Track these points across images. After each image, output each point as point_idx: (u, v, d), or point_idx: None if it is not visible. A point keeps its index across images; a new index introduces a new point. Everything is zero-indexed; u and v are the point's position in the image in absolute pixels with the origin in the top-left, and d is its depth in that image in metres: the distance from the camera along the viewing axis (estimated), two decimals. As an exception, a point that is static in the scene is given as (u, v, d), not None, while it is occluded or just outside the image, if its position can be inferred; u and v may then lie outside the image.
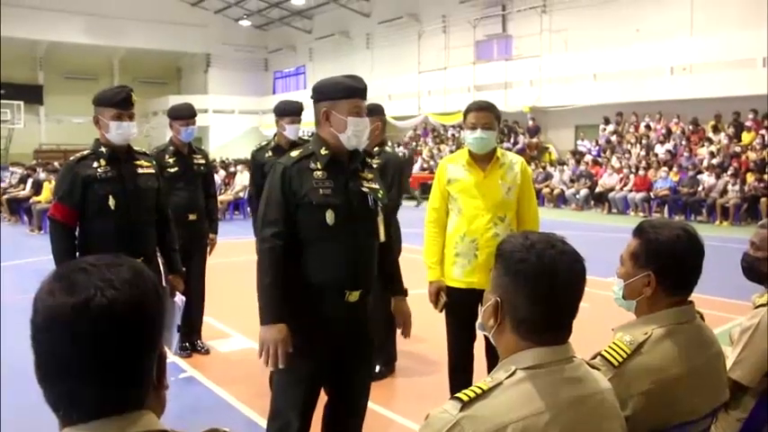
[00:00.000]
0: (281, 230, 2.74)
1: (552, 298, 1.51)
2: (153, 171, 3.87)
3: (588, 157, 19.91)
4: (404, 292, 3.19)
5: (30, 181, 16.49)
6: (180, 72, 39.47)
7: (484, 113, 3.61)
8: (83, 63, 34.82)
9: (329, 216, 2.74)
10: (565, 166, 19.91)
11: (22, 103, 31.23)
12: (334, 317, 2.79)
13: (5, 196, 16.82)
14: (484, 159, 3.64)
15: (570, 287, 1.53)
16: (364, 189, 2.84)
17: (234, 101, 35.05)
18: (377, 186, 2.90)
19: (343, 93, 2.81)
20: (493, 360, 3.64)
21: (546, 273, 1.50)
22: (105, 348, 1.00)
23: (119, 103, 3.62)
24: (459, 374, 3.83)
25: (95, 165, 3.63)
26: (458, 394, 1.45)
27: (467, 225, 3.63)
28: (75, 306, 0.99)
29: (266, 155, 5.21)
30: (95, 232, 3.65)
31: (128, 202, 3.66)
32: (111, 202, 3.61)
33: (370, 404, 4.41)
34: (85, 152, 3.74)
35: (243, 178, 18.11)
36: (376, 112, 5.24)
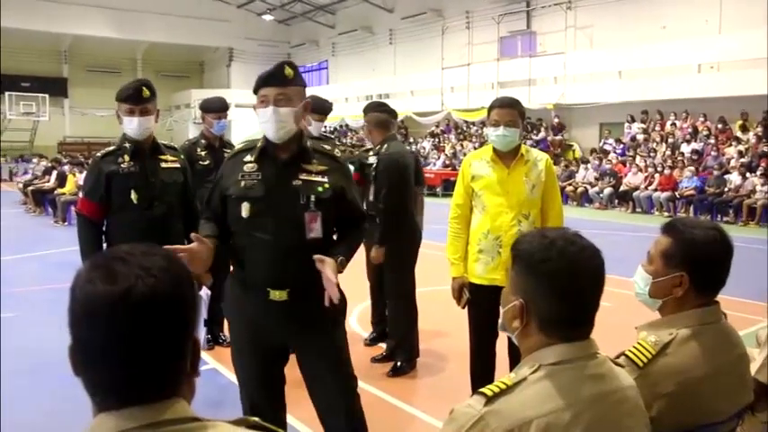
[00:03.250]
0: (209, 215, 2.87)
1: (577, 294, 1.50)
2: (178, 165, 3.87)
3: (612, 156, 19.76)
4: (342, 255, 2.74)
5: (54, 173, 16.69)
6: (203, 66, 39.70)
7: (507, 110, 3.58)
8: (106, 57, 35.11)
9: (244, 209, 2.70)
10: (589, 165, 19.77)
11: (47, 95, 31.58)
12: (259, 315, 2.76)
13: (30, 188, 17.03)
14: (508, 156, 3.61)
15: (593, 282, 1.52)
16: (296, 182, 2.72)
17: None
18: (320, 180, 2.75)
19: (255, 86, 2.76)
20: (515, 357, 3.61)
21: (570, 270, 1.49)
22: (145, 336, 1.02)
23: (129, 98, 3.64)
24: (481, 370, 3.82)
25: (119, 160, 3.68)
26: (482, 389, 1.45)
27: (490, 222, 3.60)
28: (117, 294, 1.01)
29: None
30: (120, 226, 3.70)
31: (151, 196, 3.69)
32: (134, 196, 3.65)
33: (390, 399, 4.44)
34: (111, 147, 3.79)
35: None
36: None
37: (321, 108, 5.29)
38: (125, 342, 1.02)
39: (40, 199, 16.34)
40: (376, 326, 5.59)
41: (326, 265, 2.58)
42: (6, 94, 30.14)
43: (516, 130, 3.57)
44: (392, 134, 5.04)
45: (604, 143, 21.10)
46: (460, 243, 3.73)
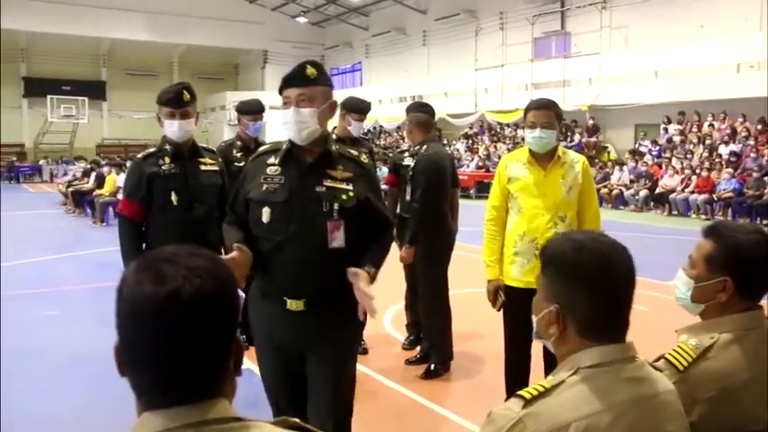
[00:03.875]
0: (231, 219, 2.80)
1: (613, 294, 1.50)
2: (217, 168, 3.90)
3: (648, 158, 19.51)
4: (372, 266, 2.67)
5: (93, 174, 16.97)
6: (237, 68, 40.07)
7: (543, 112, 3.56)
8: (144, 60, 35.65)
9: (265, 214, 2.64)
10: (624, 166, 19.54)
11: (86, 99, 32.16)
12: (276, 324, 2.70)
13: (70, 189, 17.34)
14: (545, 158, 3.60)
15: (627, 279, 1.51)
16: (319, 189, 2.63)
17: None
18: (344, 187, 2.66)
19: (279, 88, 2.71)
20: (550, 360, 3.60)
21: (604, 268, 1.48)
22: (192, 336, 1.04)
23: (170, 101, 3.68)
24: (516, 373, 3.80)
25: (160, 162, 3.72)
26: (520, 392, 1.44)
27: (526, 224, 3.59)
28: (165, 295, 1.03)
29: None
30: (160, 227, 3.73)
31: (190, 198, 3.72)
32: (174, 198, 3.69)
33: (424, 402, 4.45)
34: (152, 149, 3.83)
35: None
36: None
37: (360, 108, 5.31)
38: (172, 342, 1.03)
39: (80, 200, 16.62)
40: (412, 328, 5.59)
41: (360, 279, 2.50)
42: (48, 97, 30.76)
43: (553, 131, 3.55)
44: (433, 135, 5.06)
45: (640, 145, 20.84)
46: (496, 245, 3.72)
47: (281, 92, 2.70)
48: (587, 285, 1.48)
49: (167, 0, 32.02)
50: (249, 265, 2.56)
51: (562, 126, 3.97)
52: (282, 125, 2.68)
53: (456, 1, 28.05)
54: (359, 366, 5.12)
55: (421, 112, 5.00)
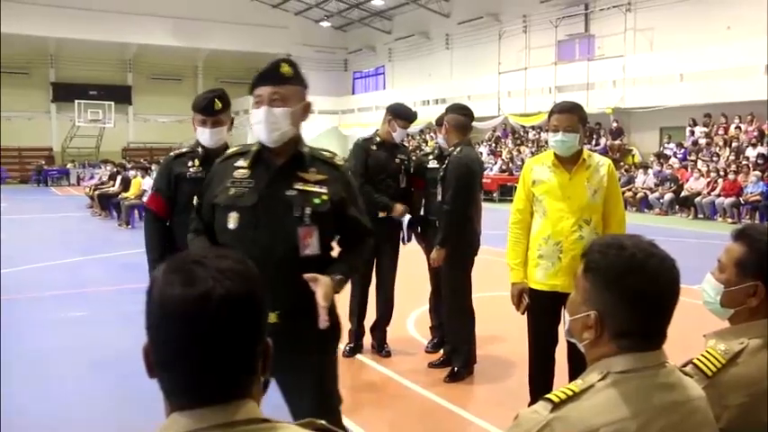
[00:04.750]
0: (198, 226, 2.67)
1: (658, 308, 1.47)
2: None
3: (674, 160, 19.33)
4: (339, 274, 2.50)
5: (119, 178, 17.16)
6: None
7: (566, 116, 3.55)
8: (169, 64, 36.00)
9: (232, 219, 2.49)
10: (649, 169, 19.38)
11: (112, 103, 32.55)
12: None
13: (97, 192, 17.55)
14: (570, 161, 3.59)
15: (673, 294, 1.49)
16: (290, 192, 2.49)
17: (314, 101, 35.13)
18: (317, 190, 2.52)
19: (250, 85, 2.57)
20: (575, 363, 3.59)
21: (652, 285, 1.45)
22: (222, 337, 1.04)
23: (202, 109, 3.69)
24: (540, 377, 3.79)
25: (190, 163, 3.72)
26: (548, 395, 1.43)
27: (551, 227, 3.58)
28: (196, 297, 1.03)
29: (372, 147, 5.32)
30: (182, 227, 3.72)
31: None
32: (196, 201, 3.69)
33: (447, 405, 4.45)
34: (184, 149, 3.86)
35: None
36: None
37: (407, 115, 5.34)
38: (202, 344, 1.04)
39: (106, 203, 16.81)
40: (436, 331, 5.59)
41: (319, 286, 2.33)
42: (76, 102, 31.20)
43: (576, 135, 3.53)
44: (467, 139, 5.05)
45: (665, 147, 20.68)
46: (520, 248, 3.71)
47: (252, 89, 2.55)
48: (632, 300, 1.45)
49: (192, 5, 32.33)
50: None
51: (586, 129, 3.93)
52: (253, 125, 2.54)
53: (479, 4, 28.03)
54: (382, 368, 5.18)
55: (459, 114, 4.99)
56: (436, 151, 5.54)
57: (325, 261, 2.53)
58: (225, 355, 1.05)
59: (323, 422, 1.19)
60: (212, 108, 3.67)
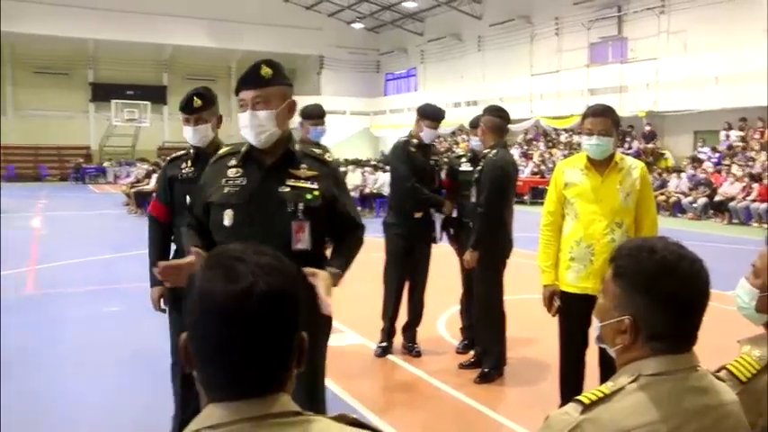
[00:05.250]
0: (191, 222, 2.75)
1: (690, 309, 1.48)
2: None
3: (708, 164, 19.09)
4: (336, 268, 2.57)
5: (154, 176, 17.40)
6: (294, 73, 40.45)
7: (601, 119, 3.56)
8: (203, 65, 36.33)
9: (227, 216, 2.57)
10: (682, 173, 19.16)
11: (148, 103, 33.01)
12: None
13: (133, 190, 17.84)
14: (602, 164, 3.60)
15: (704, 295, 1.49)
16: (282, 189, 2.57)
17: (346, 102, 35.67)
18: (309, 186, 2.60)
19: (236, 89, 2.62)
20: (606, 366, 3.61)
21: (684, 288, 1.46)
22: (262, 332, 1.07)
23: (182, 107, 3.68)
24: (571, 380, 3.81)
25: (183, 165, 3.73)
26: (579, 396, 1.44)
27: (583, 230, 3.60)
28: (238, 293, 1.05)
29: (411, 149, 5.38)
30: (180, 228, 3.77)
31: None
32: (188, 201, 3.68)
33: (478, 406, 4.48)
34: (180, 153, 3.86)
35: (354, 178, 18.44)
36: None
37: (432, 114, 5.38)
38: (242, 338, 1.06)
39: (141, 201, 17.05)
40: (466, 332, 5.63)
41: (319, 280, 2.34)
42: (113, 102, 31.72)
43: (610, 138, 3.54)
44: (503, 141, 5.06)
45: (699, 151, 20.42)
46: (552, 250, 3.73)
47: (236, 93, 2.61)
48: (664, 303, 1.45)
49: (227, 7, 32.66)
50: None
51: (619, 132, 3.94)
52: (240, 129, 2.60)
53: (511, 6, 27.90)
54: (413, 368, 5.24)
55: (496, 117, 5.01)
56: (469, 154, 5.58)
57: (317, 256, 2.60)
58: (263, 349, 1.08)
59: (355, 416, 1.19)
60: (191, 106, 3.64)
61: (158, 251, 3.76)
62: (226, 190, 2.60)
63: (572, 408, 1.42)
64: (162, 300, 3.72)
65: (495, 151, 4.87)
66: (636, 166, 3.66)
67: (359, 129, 35.61)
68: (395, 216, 5.49)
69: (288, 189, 2.58)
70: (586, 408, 1.41)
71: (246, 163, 2.64)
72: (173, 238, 3.79)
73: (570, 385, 3.79)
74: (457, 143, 29.14)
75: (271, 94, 2.58)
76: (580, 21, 24.93)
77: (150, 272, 3.68)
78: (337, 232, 2.71)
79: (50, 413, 4.35)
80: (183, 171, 3.72)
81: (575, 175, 3.67)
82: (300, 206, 2.57)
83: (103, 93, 33.29)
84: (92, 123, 34.91)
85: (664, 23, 22.18)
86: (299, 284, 1.15)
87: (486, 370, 4.95)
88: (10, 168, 31.45)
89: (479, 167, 4.91)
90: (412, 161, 5.33)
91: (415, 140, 5.40)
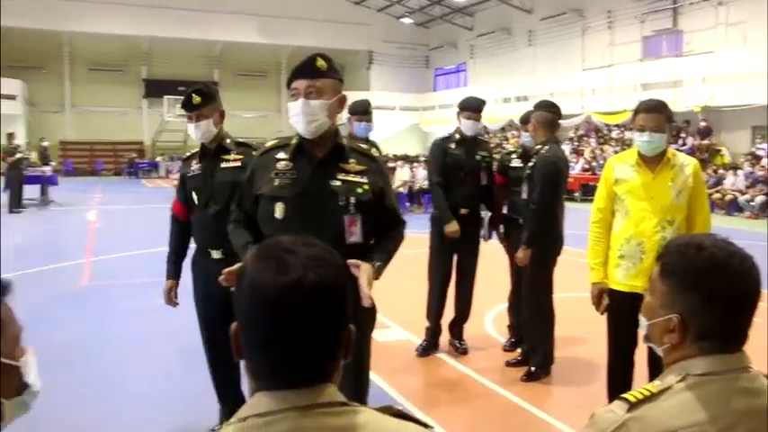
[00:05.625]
0: (238, 217, 2.76)
1: (740, 308, 1.45)
2: (239, 164, 3.64)
3: (765, 161, 18.57)
4: (379, 261, 2.55)
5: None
6: (343, 69, 40.39)
7: (653, 115, 3.48)
8: (253, 61, 36.86)
9: (278, 209, 2.59)
10: (739, 171, 18.67)
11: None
12: None
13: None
14: (654, 160, 3.52)
15: (755, 293, 1.46)
16: (334, 183, 2.59)
17: (395, 97, 35.70)
18: (359, 181, 2.62)
19: (289, 79, 2.66)
20: (655, 366, 3.54)
21: (734, 285, 1.43)
22: (311, 323, 1.08)
23: (184, 105, 3.72)
24: (619, 379, 3.74)
25: (192, 163, 3.78)
26: (624, 395, 1.42)
27: (633, 227, 3.53)
28: (289, 284, 1.07)
29: (450, 145, 5.38)
30: (193, 225, 3.81)
31: (206, 197, 3.67)
32: (195, 197, 3.71)
33: (524, 404, 4.44)
34: (194, 151, 3.88)
35: (403, 174, 18.45)
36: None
37: (466, 105, 5.36)
38: (292, 329, 1.07)
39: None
40: (514, 329, 5.59)
41: (362, 272, 2.33)
42: (165, 97, 32.33)
43: (662, 135, 3.47)
44: (555, 137, 4.99)
45: (757, 148, 19.86)
46: (601, 248, 3.67)
47: (289, 84, 2.65)
48: (716, 302, 1.43)
49: (277, 3, 33.03)
50: None
51: (673, 128, 3.84)
52: (291, 118, 2.62)
53: (562, 0, 27.56)
54: (460, 366, 5.23)
55: (548, 112, 4.94)
56: (520, 150, 5.53)
57: (366, 249, 2.61)
58: (312, 340, 1.09)
59: (399, 408, 1.20)
60: (191, 103, 3.65)
61: (173, 245, 3.90)
62: (276, 182, 2.62)
63: (617, 406, 1.41)
64: (172, 293, 3.85)
65: (546, 147, 4.80)
66: (688, 163, 3.58)
67: (408, 124, 35.60)
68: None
69: (339, 183, 2.60)
70: (632, 406, 1.39)
71: (297, 156, 2.66)
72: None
73: (618, 385, 3.71)
74: (506, 139, 28.89)
75: (324, 86, 2.61)
76: (633, 13, 24.50)
77: (166, 265, 3.89)
78: (381, 227, 2.72)
79: (103, 400, 4.46)
80: (191, 169, 3.76)
81: (625, 171, 3.60)
82: (352, 200, 2.59)
83: (156, 89, 33.93)
84: (145, 119, 35.73)
85: (722, 15, 21.60)
86: (347, 277, 1.17)
87: (533, 368, 4.90)
88: (68, 163, 32.39)
89: (531, 164, 4.84)
90: (446, 158, 5.31)
91: (457, 136, 5.38)
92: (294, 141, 2.68)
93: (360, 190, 2.61)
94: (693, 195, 3.53)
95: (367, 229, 2.63)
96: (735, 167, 19.08)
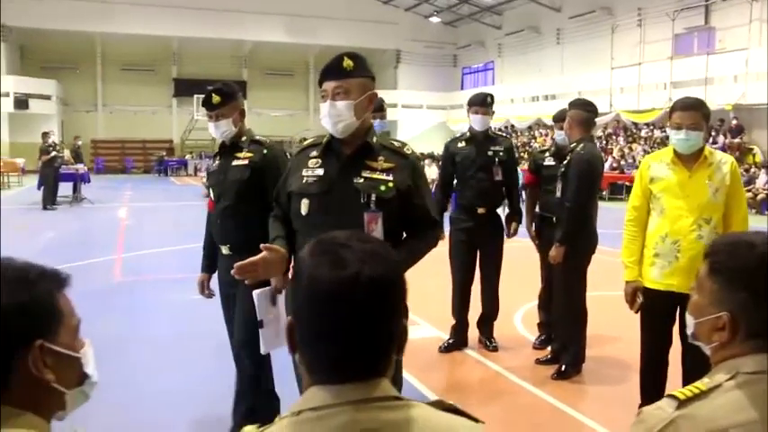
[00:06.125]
0: (277, 213, 2.81)
1: None
2: (247, 162, 3.67)
3: (799, 160, 18.30)
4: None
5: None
6: (371, 68, 40.79)
7: (690, 113, 3.44)
8: (282, 60, 37.09)
9: (303, 205, 2.63)
10: (772, 170, 18.40)
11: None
12: None
13: (212, 183, 18.29)
14: (690, 158, 3.49)
15: None
16: (357, 180, 2.61)
17: (422, 96, 35.71)
18: (384, 178, 2.62)
19: (319, 80, 2.69)
20: (689, 365, 3.53)
21: None
22: (368, 317, 1.09)
23: (204, 104, 3.75)
24: (651, 377, 3.74)
25: (216, 159, 3.83)
26: (672, 392, 1.41)
27: (669, 226, 3.50)
28: (346, 278, 1.08)
29: (459, 144, 5.39)
30: (211, 218, 3.85)
31: (218, 194, 3.72)
32: (212, 193, 3.78)
33: (557, 403, 4.42)
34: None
35: (431, 172, 18.45)
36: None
37: (474, 101, 5.36)
38: (349, 323, 1.08)
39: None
40: (544, 327, 5.57)
41: None
42: (195, 96, 32.61)
43: (699, 133, 3.43)
44: (590, 135, 4.96)
45: (790, 146, 19.57)
46: (636, 246, 3.65)
47: (320, 84, 2.69)
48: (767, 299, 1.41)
49: (305, 3, 33.15)
50: (281, 263, 2.55)
51: (709, 126, 3.80)
52: (322, 118, 2.66)
53: (592, -2, 27.38)
54: (490, 363, 5.23)
55: (584, 110, 4.91)
56: (552, 148, 5.50)
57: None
58: (368, 335, 1.10)
59: (451, 403, 1.20)
60: (211, 103, 3.67)
61: (207, 241, 3.94)
62: (304, 180, 2.67)
63: (666, 403, 1.40)
64: (204, 285, 3.92)
65: (582, 145, 4.77)
66: (726, 161, 3.54)
67: (435, 123, 35.59)
68: (457, 211, 5.52)
69: (362, 180, 2.61)
70: (682, 404, 1.38)
71: (326, 154, 2.69)
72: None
73: (651, 384, 3.72)
74: (534, 138, 28.78)
75: (351, 85, 2.63)
76: (664, 11, 24.25)
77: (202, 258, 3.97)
78: (412, 226, 2.70)
79: (136, 398, 4.51)
80: (213, 165, 3.84)
81: (661, 169, 3.57)
82: (373, 197, 2.59)
83: (185, 88, 34.31)
84: (174, 118, 36.18)
85: (756, 11, 21.28)
86: (401, 273, 1.17)
87: (563, 367, 4.88)
88: (99, 161, 32.85)
89: (566, 161, 4.82)
90: (456, 158, 5.33)
91: (467, 134, 5.39)
92: (325, 139, 2.73)
93: (383, 187, 2.61)
94: (731, 194, 3.50)
95: (390, 227, 2.62)
96: (767, 166, 18.79)
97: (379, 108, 5.48)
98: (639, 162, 18.66)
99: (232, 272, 2.42)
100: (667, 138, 18.97)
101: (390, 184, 2.62)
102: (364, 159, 2.66)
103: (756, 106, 20.51)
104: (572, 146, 4.86)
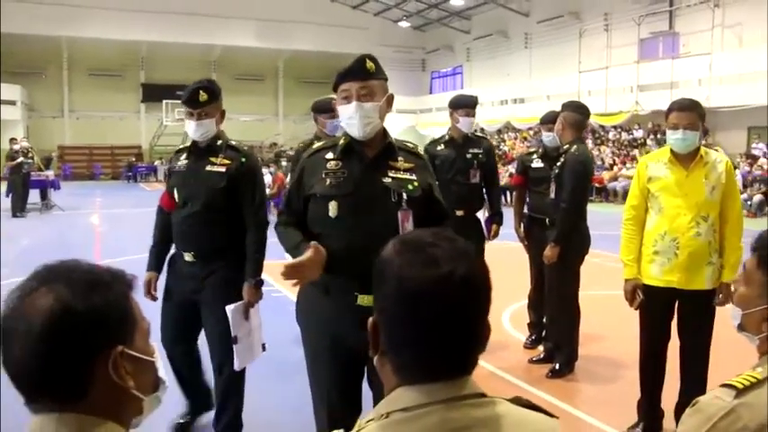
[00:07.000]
0: (288, 220, 2.76)
1: None
2: (224, 170, 3.53)
3: (762, 161, 18.70)
4: None
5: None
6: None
7: (687, 114, 3.56)
8: (251, 65, 36.87)
9: (332, 208, 2.58)
10: (736, 170, 18.77)
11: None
12: (343, 323, 2.55)
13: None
14: (687, 158, 3.60)
15: None
16: (386, 180, 2.62)
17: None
18: (409, 177, 2.65)
19: (334, 82, 2.66)
20: (690, 360, 3.63)
21: None
22: (462, 316, 1.09)
23: (186, 101, 3.54)
24: (650, 372, 3.82)
25: (181, 158, 3.68)
26: (730, 381, 1.43)
27: (668, 224, 3.60)
28: (440, 277, 1.07)
29: (438, 147, 5.39)
30: (173, 220, 3.69)
31: (185, 196, 3.58)
32: (176, 194, 3.63)
33: (556, 401, 4.47)
34: (186, 145, 3.77)
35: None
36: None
37: (460, 103, 5.38)
38: (441, 321, 1.06)
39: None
40: (534, 327, 5.63)
41: None
42: (163, 102, 32.36)
43: (696, 133, 3.55)
44: (581, 137, 5.05)
45: (753, 148, 20.01)
46: (635, 245, 3.73)
47: (336, 86, 2.64)
48: None
49: (275, 7, 33.01)
50: (323, 265, 2.49)
51: (705, 126, 3.91)
52: (344, 121, 2.63)
53: (559, 3, 27.68)
54: (483, 363, 5.25)
55: (576, 113, 4.99)
56: (540, 150, 5.58)
57: None
58: (461, 333, 1.09)
59: (527, 399, 1.21)
60: (197, 100, 3.49)
61: (159, 239, 3.80)
62: (328, 182, 2.63)
63: (724, 393, 1.42)
64: (151, 285, 3.71)
65: (575, 147, 4.85)
66: (721, 161, 3.66)
67: (405, 127, 35.59)
68: None
69: (390, 180, 2.63)
70: (740, 392, 1.40)
71: (346, 156, 2.67)
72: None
73: (650, 378, 3.81)
74: (503, 141, 29.00)
75: (374, 87, 2.63)
76: (630, 16, 24.63)
77: (148, 257, 3.78)
78: (428, 220, 2.69)
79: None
80: (179, 164, 3.66)
81: (659, 169, 3.67)
82: (404, 196, 2.62)
83: (154, 93, 34.01)
84: (143, 123, 35.81)
85: (718, 17, 21.74)
86: (488, 271, 1.16)
87: (558, 366, 4.95)
88: (66, 168, 32.36)
89: (560, 163, 4.90)
90: (435, 161, 5.20)
91: (446, 137, 5.41)
92: (342, 142, 2.69)
93: (410, 186, 2.64)
94: (726, 192, 3.61)
95: (418, 224, 2.64)
96: (732, 167, 19.15)
97: (332, 109, 5.39)
98: (609, 165, 18.74)
99: (281, 272, 2.37)
100: (634, 140, 19.15)
101: (416, 183, 2.66)
102: (387, 160, 2.68)
103: (720, 109, 20.93)
104: (565, 147, 4.94)
